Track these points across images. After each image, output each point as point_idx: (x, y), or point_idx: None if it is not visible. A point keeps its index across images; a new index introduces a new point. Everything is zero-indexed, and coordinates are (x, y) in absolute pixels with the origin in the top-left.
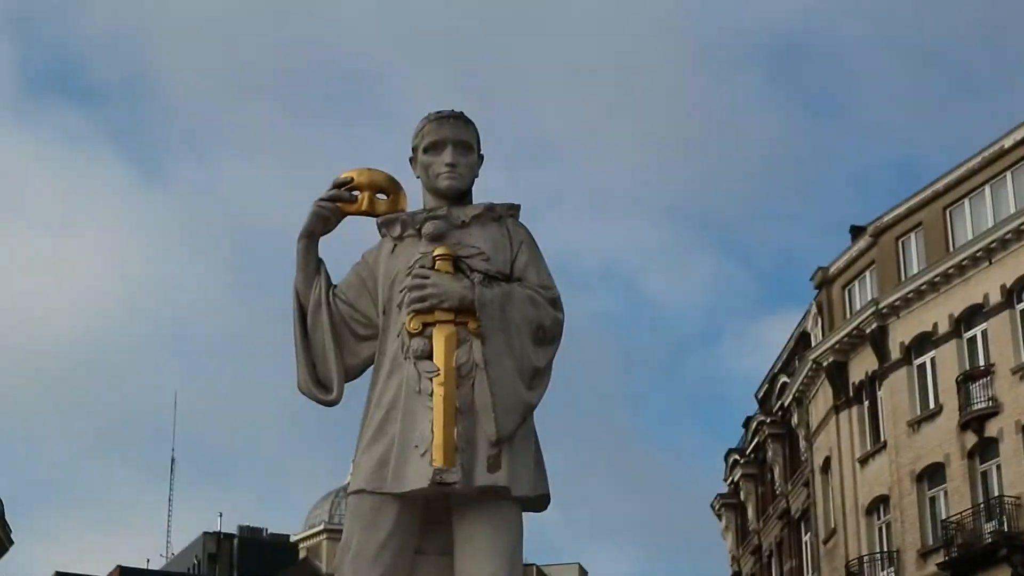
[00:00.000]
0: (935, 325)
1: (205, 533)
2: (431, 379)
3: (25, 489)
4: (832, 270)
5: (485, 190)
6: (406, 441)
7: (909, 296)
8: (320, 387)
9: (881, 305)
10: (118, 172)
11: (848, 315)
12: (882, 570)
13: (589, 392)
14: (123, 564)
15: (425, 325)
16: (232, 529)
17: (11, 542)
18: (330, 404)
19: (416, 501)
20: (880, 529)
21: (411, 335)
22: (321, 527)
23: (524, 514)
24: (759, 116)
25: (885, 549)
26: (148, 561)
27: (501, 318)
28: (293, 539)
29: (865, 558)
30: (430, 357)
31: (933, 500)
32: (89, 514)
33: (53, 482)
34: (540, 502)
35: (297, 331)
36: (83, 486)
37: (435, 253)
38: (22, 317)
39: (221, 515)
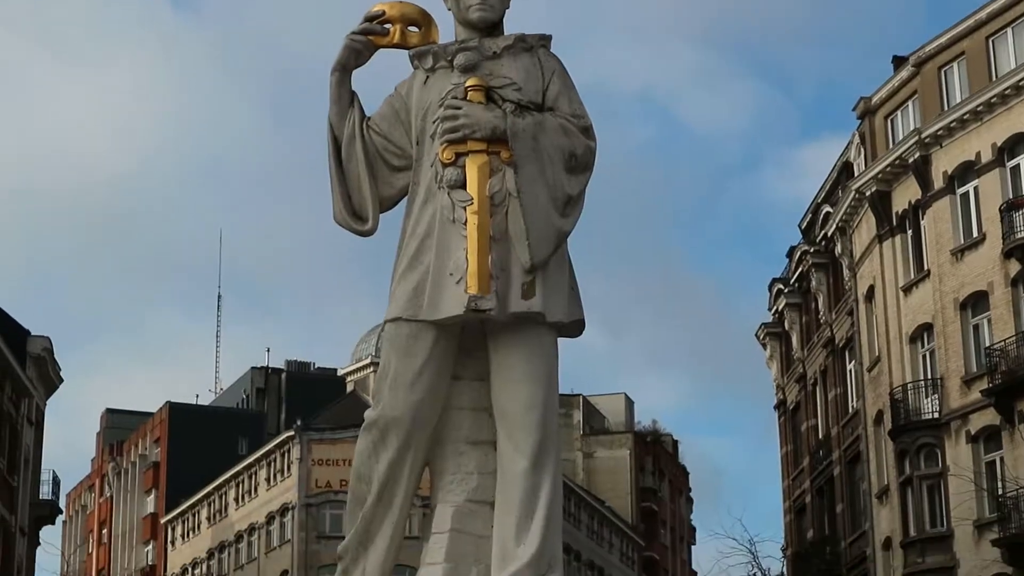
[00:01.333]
0: (978, 154)
1: (253, 368)
2: (465, 208)
3: (73, 328)
4: (875, 100)
5: (517, 13)
6: (441, 269)
7: (952, 125)
8: (356, 218)
9: (924, 134)
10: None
11: (891, 145)
12: (926, 397)
13: (632, 224)
14: (172, 400)
15: (458, 155)
16: (280, 364)
17: (61, 380)
18: (366, 234)
19: (452, 328)
20: (924, 357)
21: (444, 165)
22: (368, 360)
23: (564, 342)
24: None
25: (929, 376)
26: (197, 397)
27: (533, 147)
28: (340, 373)
29: (909, 385)
30: (463, 186)
31: (977, 328)
32: (138, 352)
33: (101, 321)
34: (574, 328)
35: (332, 163)
36: (131, 324)
37: (467, 84)
38: (61, 156)
39: (269, 350)
